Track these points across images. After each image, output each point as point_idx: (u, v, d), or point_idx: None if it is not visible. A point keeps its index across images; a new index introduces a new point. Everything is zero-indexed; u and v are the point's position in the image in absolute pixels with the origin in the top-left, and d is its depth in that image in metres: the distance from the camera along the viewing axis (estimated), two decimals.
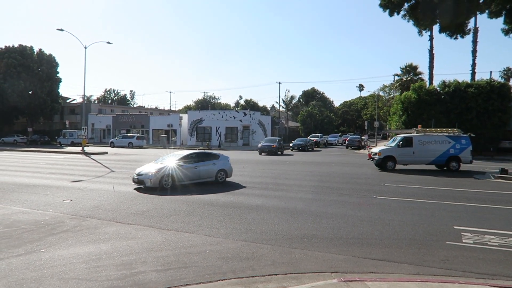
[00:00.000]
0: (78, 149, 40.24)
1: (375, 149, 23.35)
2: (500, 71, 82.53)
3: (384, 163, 21.73)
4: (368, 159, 23.58)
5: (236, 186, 15.77)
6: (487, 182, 18.18)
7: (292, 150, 43.72)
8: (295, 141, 46.52)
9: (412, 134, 22.55)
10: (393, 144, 22.53)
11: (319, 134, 59.29)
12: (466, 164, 22.41)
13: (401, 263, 6.96)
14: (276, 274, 6.36)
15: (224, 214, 10.71)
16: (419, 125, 25.64)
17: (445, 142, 21.57)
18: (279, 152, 37.59)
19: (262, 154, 36.59)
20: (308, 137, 54.68)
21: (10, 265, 6.67)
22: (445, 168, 22.42)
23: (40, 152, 38.77)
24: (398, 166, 22.56)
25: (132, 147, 47.25)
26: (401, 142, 21.97)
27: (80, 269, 6.49)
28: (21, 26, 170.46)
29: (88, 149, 38.97)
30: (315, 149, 47.50)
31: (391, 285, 5.76)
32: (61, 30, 35.74)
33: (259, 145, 37.63)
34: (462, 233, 8.79)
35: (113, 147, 47.96)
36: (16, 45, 58.79)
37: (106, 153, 37.21)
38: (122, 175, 19.53)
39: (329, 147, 56.24)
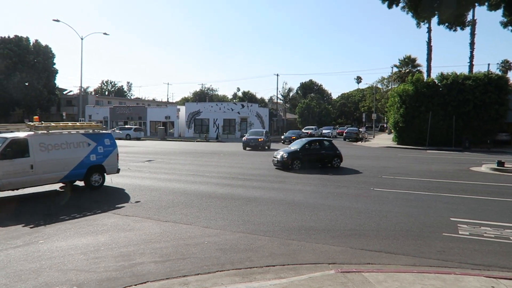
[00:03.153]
0: None
1: None
2: (498, 63, 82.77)
3: None
4: None
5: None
6: (484, 174, 18.27)
7: (283, 143, 41.49)
8: (287, 133, 45.00)
9: (26, 134, 11.56)
10: None
11: (313, 127, 58.11)
12: (112, 174, 14.18)
13: (398, 255, 7.01)
14: (274, 265, 6.40)
15: (222, 205, 10.74)
16: (35, 117, 13.55)
17: (83, 144, 12.87)
18: (266, 147, 33.44)
19: (247, 148, 32.45)
20: (302, 130, 54.13)
21: (9, 256, 6.69)
22: (78, 184, 13.97)
23: None
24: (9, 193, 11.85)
25: (130, 139, 47.11)
26: (8, 150, 10.84)
27: (79, 261, 6.51)
28: (17, 17, 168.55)
29: None
30: None
31: (388, 276, 5.81)
32: (57, 21, 35.44)
33: (244, 139, 33.66)
34: (458, 225, 8.86)
35: None
36: (12, 36, 58.27)
37: None
38: (120, 166, 19.47)
39: None
